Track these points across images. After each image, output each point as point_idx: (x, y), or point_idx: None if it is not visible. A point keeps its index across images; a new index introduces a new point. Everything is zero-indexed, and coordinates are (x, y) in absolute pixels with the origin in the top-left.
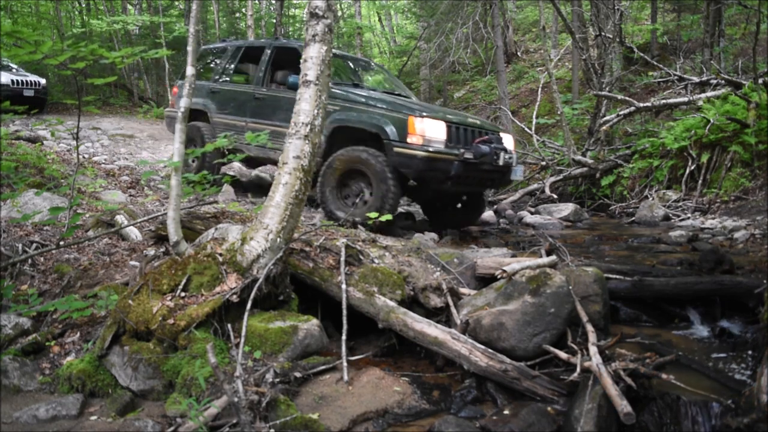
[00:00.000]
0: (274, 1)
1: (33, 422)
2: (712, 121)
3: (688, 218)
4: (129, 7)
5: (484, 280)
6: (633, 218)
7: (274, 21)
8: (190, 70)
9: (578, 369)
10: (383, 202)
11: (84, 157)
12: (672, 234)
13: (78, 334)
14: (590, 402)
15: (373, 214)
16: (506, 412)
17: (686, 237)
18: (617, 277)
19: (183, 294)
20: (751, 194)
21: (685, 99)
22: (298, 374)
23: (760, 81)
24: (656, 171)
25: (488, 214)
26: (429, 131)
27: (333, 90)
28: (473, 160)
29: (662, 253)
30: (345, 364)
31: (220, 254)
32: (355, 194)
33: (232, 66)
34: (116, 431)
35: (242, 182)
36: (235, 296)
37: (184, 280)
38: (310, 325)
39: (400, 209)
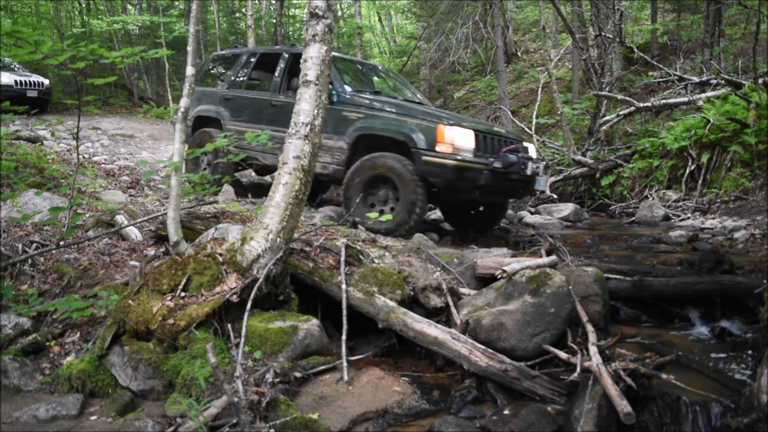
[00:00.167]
0: (274, 1)
1: (33, 422)
2: (712, 121)
3: (688, 218)
4: (129, 7)
5: (484, 280)
6: (633, 218)
7: (274, 21)
8: (190, 70)
9: (578, 369)
10: (412, 209)
11: (84, 157)
12: (672, 234)
13: (78, 334)
14: (590, 402)
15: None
16: (506, 412)
17: (686, 237)
18: (617, 277)
19: (183, 294)
20: (751, 194)
21: (685, 99)
22: (298, 374)
23: (760, 81)
24: (656, 171)
25: None
26: (458, 140)
27: (356, 98)
28: (502, 170)
29: (662, 253)
30: (345, 364)
31: (220, 254)
32: (381, 201)
33: (247, 73)
34: (116, 431)
35: (242, 183)
36: (235, 296)
37: (184, 280)
38: (310, 325)
39: None
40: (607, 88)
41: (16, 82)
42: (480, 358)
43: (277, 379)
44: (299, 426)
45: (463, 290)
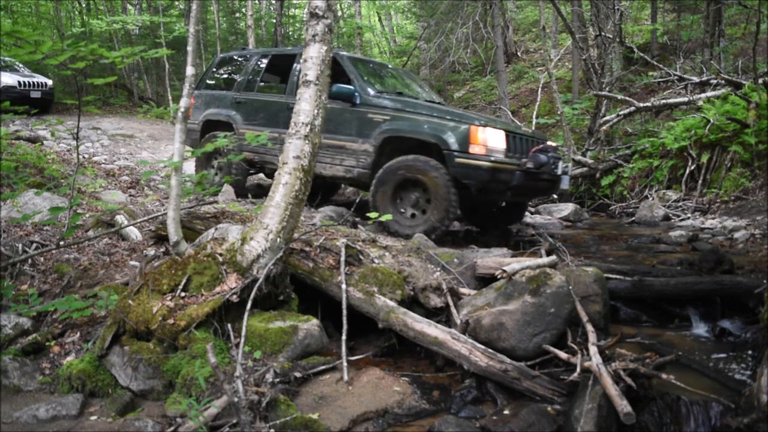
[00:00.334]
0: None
1: (33, 422)
2: (712, 121)
3: (688, 218)
4: (129, 7)
5: (484, 280)
6: (633, 218)
7: (274, 21)
8: (190, 70)
9: (578, 369)
10: (445, 213)
11: (84, 157)
12: (672, 234)
13: (78, 334)
14: (590, 402)
15: (373, 214)
16: (506, 412)
17: (686, 237)
18: (617, 277)
19: (183, 294)
20: (751, 194)
21: (685, 99)
22: (298, 374)
23: (760, 81)
24: (656, 171)
25: None
26: (491, 141)
27: (380, 100)
28: (534, 170)
29: (662, 253)
30: (345, 364)
31: (220, 254)
32: (411, 205)
33: (258, 75)
34: (116, 431)
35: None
36: (235, 296)
37: (184, 280)
38: (310, 325)
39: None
40: (607, 88)
41: (19, 83)
42: (480, 358)
43: (277, 379)
44: (299, 426)
45: (463, 290)
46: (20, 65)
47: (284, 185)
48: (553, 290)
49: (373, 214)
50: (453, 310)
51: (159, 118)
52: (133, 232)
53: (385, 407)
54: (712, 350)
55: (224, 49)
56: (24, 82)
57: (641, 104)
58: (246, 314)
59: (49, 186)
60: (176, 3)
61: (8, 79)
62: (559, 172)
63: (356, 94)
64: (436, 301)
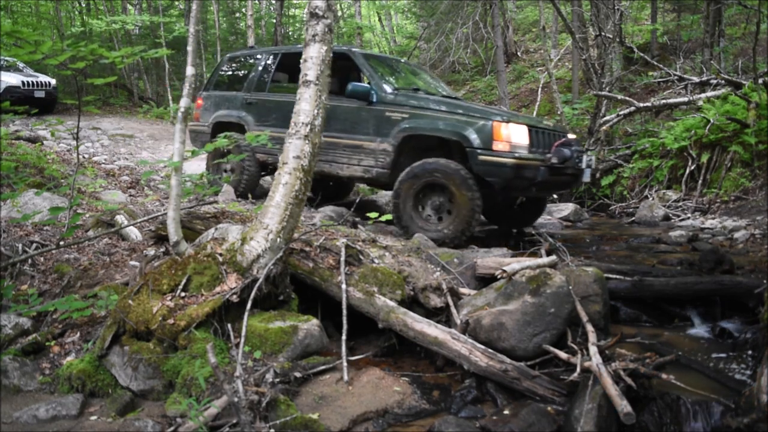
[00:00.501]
0: (274, 1)
1: (33, 422)
2: (712, 121)
3: (688, 218)
4: (129, 7)
5: (484, 280)
6: (633, 218)
7: (274, 21)
8: (190, 70)
9: (578, 369)
10: (471, 216)
11: (84, 157)
12: (672, 234)
13: (78, 334)
14: (590, 402)
15: (373, 214)
16: (506, 412)
17: (686, 237)
18: (617, 277)
19: (183, 294)
20: (751, 194)
21: (685, 99)
22: (298, 374)
23: (760, 81)
24: (656, 171)
25: None
26: (514, 136)
27: (398, 97)
28: (558, 165)
29: (662, 253)
30: (345, 364)
31: (220, 254)
32: (434, 209)
33: (269, 74)
34: (116, 431)
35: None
36: (235, 296)
37: (184, 280)
38: (310, 325)
39: None
40: (607, 88)
41: (23, 83)
42: (480, 358)
43: (277, 379)
44: (299, 426)
45: (463, 290)
46: (23, 65)
47: (284, 185)
48: (553, 290)
49: (373, 214)
50: (453, 310)
51: (159, 118)
52: (133, 232)
53: (385, 407)
54: (712, 350)
55: (224, 49)
56: (27, 81)
57: (641, 104)
58: (246, 314)
59: (49, 186)
60: (176, 3)
61: (12, 79)
62: (584, 165)
63: (372, 92)
64: (436, 301)
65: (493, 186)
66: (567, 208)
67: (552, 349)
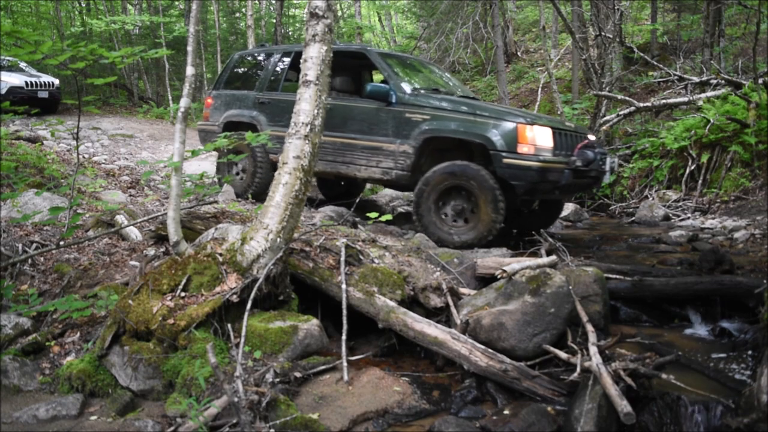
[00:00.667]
0: (274, 1)
1: (33, 422)
2: (712, 121)
3: (688, 218)
4: (129, 7)
5: (484, 280)
6: (633, 218)
7: (274, 21)
8: (190, 70)
9: (578, 369)
10: (495, 219)
11: (84, 157)
12: (672, 234)
13: (78, 334)
14: (590, 402)
15: (373, 214)
16: (506, 412)
17: (686, 237)
18: (617, 277)
19: (183, 294)
20: (751, 194)
21: (685, 99)
22: (298, 374)
23: (760, 81)
24: (656, 171)
25: None
26: (539, 139)
27: (418, 98)
28: (582, 168)
29: (662, 253)
30: (345, 364)
31: (220, 254)
32: (456, 212)
33: (282, 74)
34: (116, 431)
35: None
36: (235, 296)
37: (184, 280)
38: (310, 325)
39: (400, 209)
40: (607, 88)
41: (26, 83)
42: (480, 358)
43: (277, 379)
44: (299, 426)
45: (463, 290)
46: (26, 65)
47: (284, 185)
48: (553, 290)
49: (373, 214)
50: (453, 310)
51: (159, 118)
52: (133, 232)
53: (385, 407)
54: (712, 350)
55: (224, 49)
56: (31, 82)
57: (641, 104)
58: (246, 314)
59: (49, 186)
60: (176, 3)
61: (15, 79)
62: (607, 168)
63: (391, 92)
64: (436, 301)
65: (515, 189)
66: (567, 208)
67: (552, 349)
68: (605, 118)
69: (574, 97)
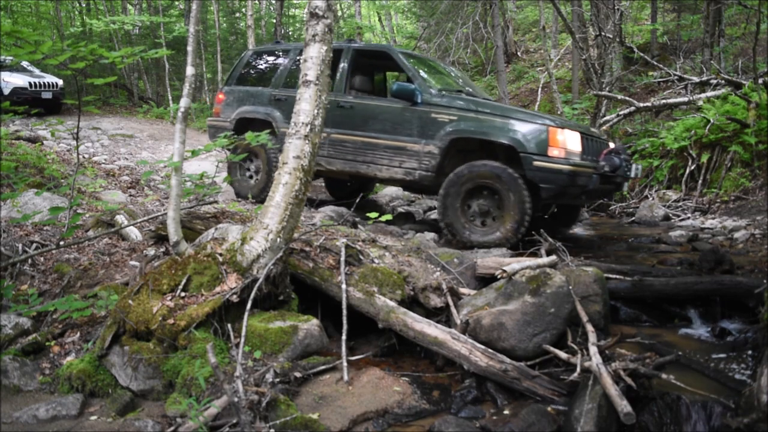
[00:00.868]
0: (274, 1)
1: (33, 422)
2: (712, 121)
3: (688, 218)
4: (129, 7)
5: (484, 280)
6: (633, 218)
7: (274, 21)
8: (190, 70)
9: (578, 369)
10: (521, 221)
11: (84, 157)
12: (672, 234)
13: (78, 334)
14: (590, 402)
15: (373, 214)
16: (506, 412)
17: (686, 237)
18: (617, 277)
19: (183, 294)
20: (751, 194)
21: (685, 99)
22: (298, 374)
23: (760, 81)
24: (656, 171)
25: None
26: (569, 143)
27: (444, 99)
28: (610, 173)
29: (662, 253)
30: (345, 364)
31: (220, 254)
32: (482, 213)
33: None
34: (116, 431)
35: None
36: (235, 296)
37: (184, 280)
38: (310, 325)
39: (400, 209)
40: (607, 88)
41: (30, 84)
42: (480, 358)
43: (277, 379)
44: (299, 426)
45: (463, 290)
46: (28, 65)
47: (284, 185)
48: (553, 290)
49: (373, 214)
50: (453, 310)
51: (159, 118)
52: (133, 232)
53: (385, 407)
54: (712, 350)
55: (224, 49)
56: (35, 83)
57: (641, 104)
58: (246, 314)
59: (49, 186)
60: (176, 3)
61: (18, 80)
62: (632, 174)
63: (417, 92)
64: (436, 301)
65: (543, 192)
66: None
67: (552, 349)
68: (605, 118)
69: (574, 97)
